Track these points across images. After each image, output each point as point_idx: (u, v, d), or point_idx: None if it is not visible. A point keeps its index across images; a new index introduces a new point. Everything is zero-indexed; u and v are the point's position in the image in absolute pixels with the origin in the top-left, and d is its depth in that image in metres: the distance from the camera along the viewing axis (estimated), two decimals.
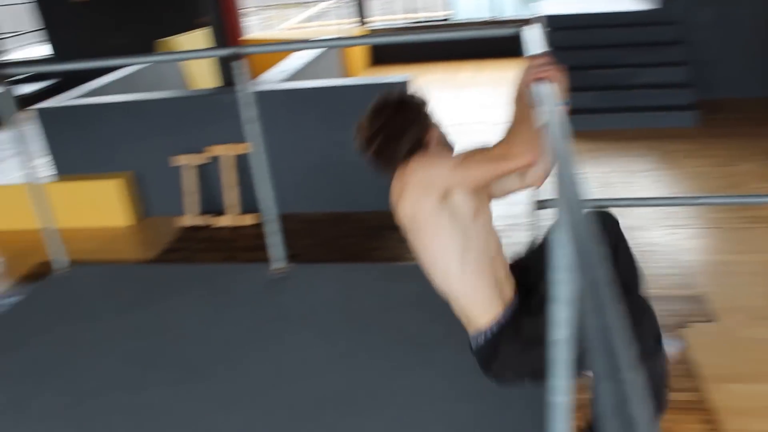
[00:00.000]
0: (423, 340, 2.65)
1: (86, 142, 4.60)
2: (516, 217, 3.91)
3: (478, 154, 1.86)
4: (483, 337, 1.92)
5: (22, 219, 4.62)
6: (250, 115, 3.08)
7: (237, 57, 2.97)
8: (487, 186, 2.00)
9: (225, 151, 4.30)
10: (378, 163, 2.04)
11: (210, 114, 4.34)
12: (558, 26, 6.24)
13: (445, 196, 1.84)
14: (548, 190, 3.03)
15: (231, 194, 4.34)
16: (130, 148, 4.55)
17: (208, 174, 4.45)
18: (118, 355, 2.82)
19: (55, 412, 2.51)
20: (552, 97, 1.69)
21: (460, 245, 1.87)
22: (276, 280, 3.29)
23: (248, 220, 4.30)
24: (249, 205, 4.36)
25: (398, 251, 3.68)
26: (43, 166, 4.58)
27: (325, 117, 4.17)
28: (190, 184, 4.40)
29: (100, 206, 4.55)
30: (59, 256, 3.61)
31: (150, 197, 4.65)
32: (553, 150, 1.40)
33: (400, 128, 1.98)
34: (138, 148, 4.53)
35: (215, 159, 4.38)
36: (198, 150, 4.38)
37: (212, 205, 4.50)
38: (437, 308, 2.30)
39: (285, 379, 2.55)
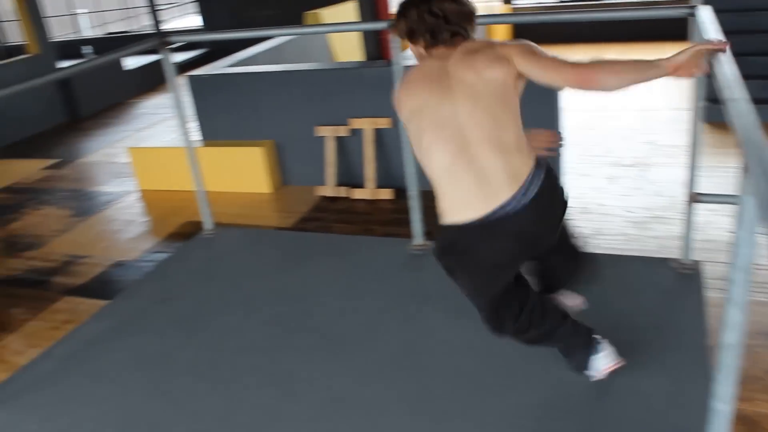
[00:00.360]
0: None
1: (232, 109, 4.77)
2: (663, 209, 3.72)
3: (556, 59, 1.91)
4: (542, 173, 1.95)
5: (169, 180, 4.88)
6: None
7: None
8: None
9: (367, 125, 4.34)
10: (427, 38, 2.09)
11: (354, 87, 4.38)
12: (717, 8, 5.81)
13: (519, 77, 1.96)
14: (707, 183, 2.84)
15: (370, 168, 4.38)
16: (272, 117, 4.67)
17: (346, 146, 4.51)
18: (258, 317, 2.92)
19: (198, 368, 2.62)
20: (737, 82, 1.57)
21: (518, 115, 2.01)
22: (416, 256, 3.29)
23: (385, 194, 4.33)
24: (384, 179, 4.39)
25: None
26: (191, 131, 4.78)
27: None
28: (330, 155, 4.47)
29: (242, 172, 4.71)
30: (207, 218, 3.77)
31: (289, 166, 4.77)
32: (744, 141, 1.29)
33: (458, 19, 2.06)
34: (280, 117, 4.65)
35: (355, 132, 4.42)
36: (340, 122, 4.44)
37: (349, 177, 4.56)
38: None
39: (419, 356, 2.55)
